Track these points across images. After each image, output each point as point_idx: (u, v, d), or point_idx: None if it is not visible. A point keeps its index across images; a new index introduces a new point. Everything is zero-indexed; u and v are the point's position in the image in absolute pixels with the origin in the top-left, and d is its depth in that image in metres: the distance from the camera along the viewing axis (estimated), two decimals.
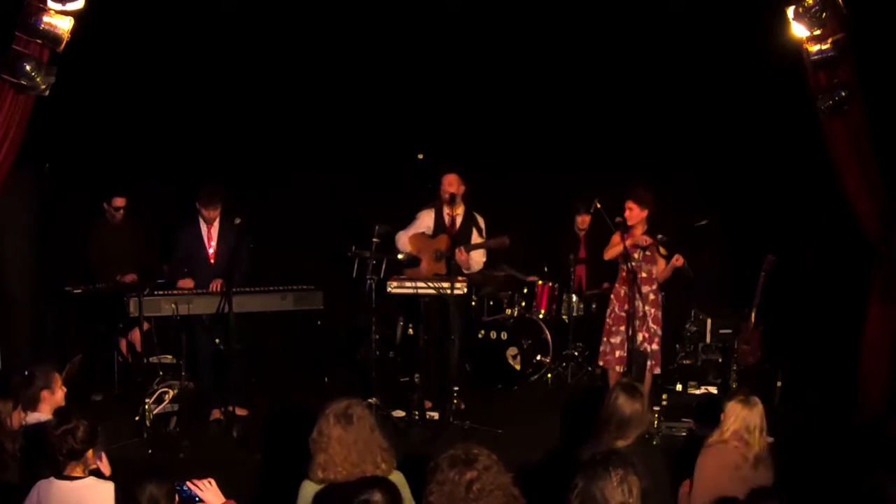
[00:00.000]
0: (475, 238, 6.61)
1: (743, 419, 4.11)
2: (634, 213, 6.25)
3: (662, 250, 6.23)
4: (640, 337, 6.18)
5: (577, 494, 2.94)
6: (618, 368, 6.35)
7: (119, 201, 7.32)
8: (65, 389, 4.66)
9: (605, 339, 6.43)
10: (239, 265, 6.50)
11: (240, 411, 6.30)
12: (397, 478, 3.63)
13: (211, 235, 6.58)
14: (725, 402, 4.23)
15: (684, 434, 6.08)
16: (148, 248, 7.46)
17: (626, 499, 2.90)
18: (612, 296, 6.46)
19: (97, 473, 3.75)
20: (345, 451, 3.54)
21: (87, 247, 7.31)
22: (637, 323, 6.18)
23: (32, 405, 4.49)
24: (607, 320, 6.44)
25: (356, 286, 6.87)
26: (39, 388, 4.52)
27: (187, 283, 6.52)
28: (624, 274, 6.34)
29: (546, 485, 3.71)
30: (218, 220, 6.57)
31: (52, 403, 4.54)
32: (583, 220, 7.92)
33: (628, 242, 6.20)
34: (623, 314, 6.33)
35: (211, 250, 6.59)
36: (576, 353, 7.70)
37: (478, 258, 6.64)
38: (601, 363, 6.51)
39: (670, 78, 7.72)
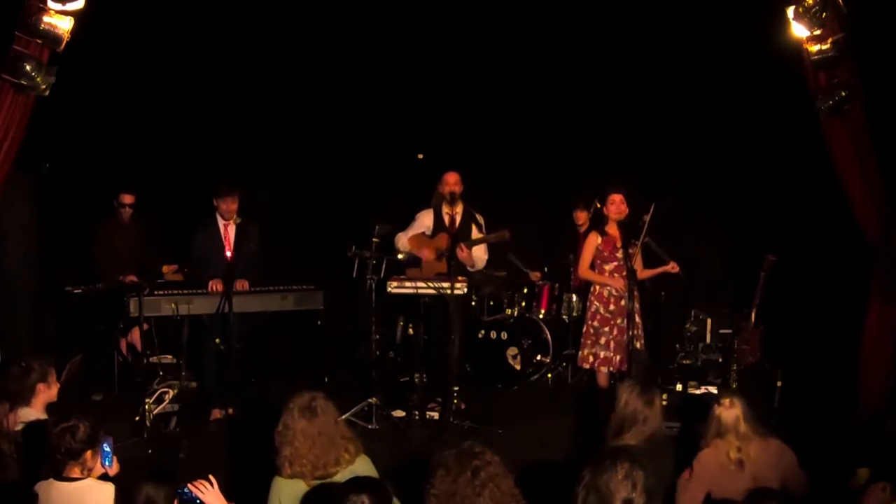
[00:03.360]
0: (476, 235, 6.62)
1: (717, 422, 4.12)
2: (624, 209, 6.30)
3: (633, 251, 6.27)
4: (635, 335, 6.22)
5: (583, 486, 2.99)
6: (603, 370, 6.35)
7: (127, 198, 7.33)
8: (58, 385, 4.65)
9: (588, 341, 6.41)
10: (250, 266, 6.52)
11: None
12: (364, 462, 3.73)
13: (228, 235, 6.56)
14: (713, 404, 4.24)
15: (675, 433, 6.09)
16: (149, 249, 7.47)
17: (630, 493, 2.91)
18: (592, 297, 6.44)
19: (104, 476, 3.74)
20: (309, 443, 3.62)
21: (92, 245, 7.32)
22: (635, 322, 6.21)
23: (27, 398, 4.47)
24: (592, 322, 6.41)
25: (356, 286, 6.87)
26: (35, 380, 4.50)
27: (217, 283, 6.44)
28: (606, 274, 6.35)
29: (546, 485, 3.71)
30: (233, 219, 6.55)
31: (46, 398, 4.53)
32: (579, 217, 7.91)
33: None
34: (609, 315, 6.33)
35: (229, 252, 6.55)
36: (575, 353, 7.69)
37: (480, 255, 6.63)
38: (587, 366, 6.49)
39: (670, 78, 7.72)
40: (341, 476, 3.60)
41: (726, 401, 4.17)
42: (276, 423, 3.75)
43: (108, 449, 3.76)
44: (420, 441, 5.97)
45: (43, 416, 4.36)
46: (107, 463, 3.76)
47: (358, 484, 3.11)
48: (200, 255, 6.55)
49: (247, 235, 6.51)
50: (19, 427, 4.28)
